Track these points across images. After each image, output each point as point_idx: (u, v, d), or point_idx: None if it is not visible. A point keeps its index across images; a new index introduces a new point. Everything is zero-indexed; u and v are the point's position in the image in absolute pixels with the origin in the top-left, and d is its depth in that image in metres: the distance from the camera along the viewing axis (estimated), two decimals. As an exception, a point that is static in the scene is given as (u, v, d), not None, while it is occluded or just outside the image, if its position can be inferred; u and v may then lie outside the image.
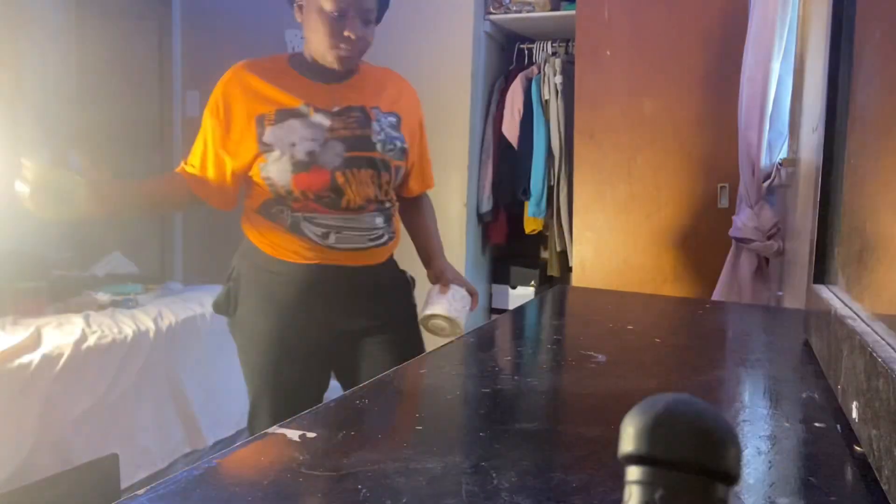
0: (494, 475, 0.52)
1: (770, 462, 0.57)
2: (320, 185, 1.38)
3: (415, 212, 1.64)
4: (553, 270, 3.08)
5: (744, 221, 1.81)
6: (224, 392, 2.72)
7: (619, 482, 0.27)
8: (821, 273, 0.87)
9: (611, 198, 2.36)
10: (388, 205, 1.48)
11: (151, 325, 2.45)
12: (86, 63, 3.60)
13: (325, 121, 1.40)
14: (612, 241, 2.36)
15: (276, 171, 1.38)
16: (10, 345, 2.06)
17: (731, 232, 1.87)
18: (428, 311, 1.47)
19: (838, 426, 0.64)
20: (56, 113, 3.41)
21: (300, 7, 1.43)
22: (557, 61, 2.96)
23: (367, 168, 1.41)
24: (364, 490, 0.49)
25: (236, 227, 1.53)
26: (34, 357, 2.08)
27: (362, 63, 1.52)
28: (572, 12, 2.66)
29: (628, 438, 0.26)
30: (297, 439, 0.58)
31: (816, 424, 0.65)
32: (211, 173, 1.48)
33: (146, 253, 3.92)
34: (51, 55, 3.37)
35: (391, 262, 1.55)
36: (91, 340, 2.24)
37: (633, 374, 0.87)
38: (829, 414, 0.67)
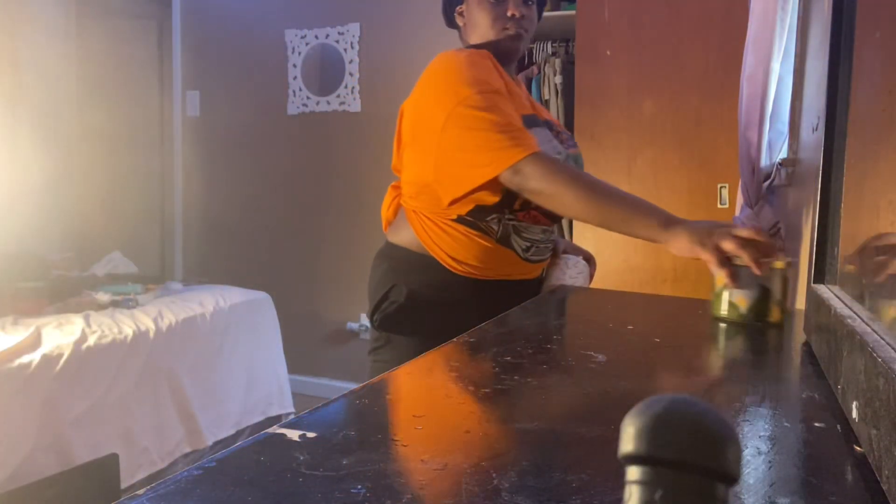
0: (494, 475, 0.52)
1: (770, 462, 0.57)
2: None
3: None
4: (553, 270, 3.08)
5: (743, 221, 1.81)
6: (224, 392, 2.72)
7: (619, 482, 0.27)
8: (821, 273, 0.87)
9: (611, 198, 2.35)
10: None
11: (151, 325, 2.45)
12: (86, 63, 3.61)
13: (554, 133, 1.40)
14: (612, 241, 2.36)
15: None
16: (10, 345, 2.06)
17: (731, 232, 1.87)
18: (544, 286, 1.45)
19: (838, 426, 0.64)
20: (56, 113, 3.41)
21: (461, 13, 1.46)
22: (557, 61, 2.96)
23: None
24: (364, 490, 0.49)
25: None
26: (34, 357, 2.08)
27: None
28: (572, 12, 2.66)
29: (628, 438, 0.26)
30: (297, 439, 0.58)
31: (816, 424, 0.65)
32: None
33: (146, 253, 3.92)
34: (51, 55, 3.37)
35: None
36: (91, 340, 2.24)
37: (633, 374, 0.87)
38: (829, 414, 0.67)
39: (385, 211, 1.51)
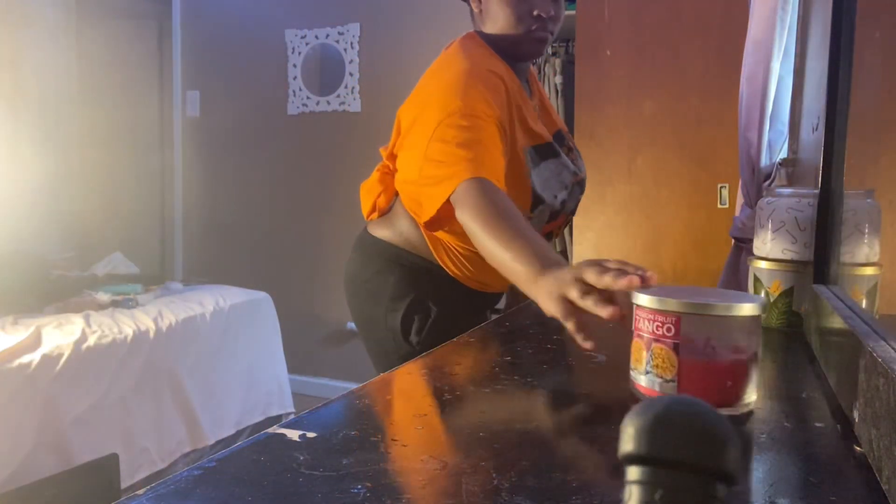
0: (494, 475, 0.52)
1: (770, 462, 0.57)
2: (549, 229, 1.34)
3: None
4: (553, 270, 3.08)
5: (743, 221, 1.81)
6: (224, 392, 2.72)
7: (619, 482, 0.27)
8: (821, 273, 0.87)
9: (611, 198, 2.35)
10: None
11: (151, 325, 2.45)
12: (86, 63, 3.60)
13: (566, 157, 1.34)
14: (612, 241, 2.36)
15: (538, 220, 1.27)
16: (10, 345, 2.06)
17: (731, 232, 1.87)
18: None
19: (838, 426, 0.64)
20: (56, 113, 3.41)
21: None
22: (557, 61, 2.96)
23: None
24: (364, 490, 0.49)
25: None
26: (34, 357, 2.08)
27: None
28: (572, 12, 2.66)
29: (628, 438, 0.26)
30: (297, 439, 0.58)
31: (816, 424, 0.65)
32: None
33: (146, 253, 3.92)
34: (51, 55, 3.37)
35: None
36: (91, 340, 2.24)
37: (633, 374, 0.87)
38: (829, 414, 0.67)
39: (371, 193, 1.37)
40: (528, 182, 1.21)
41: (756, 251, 1.07)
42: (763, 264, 1.03)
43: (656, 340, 0.66)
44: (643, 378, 0.68)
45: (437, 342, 1.01)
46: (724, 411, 0.64)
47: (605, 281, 0.74)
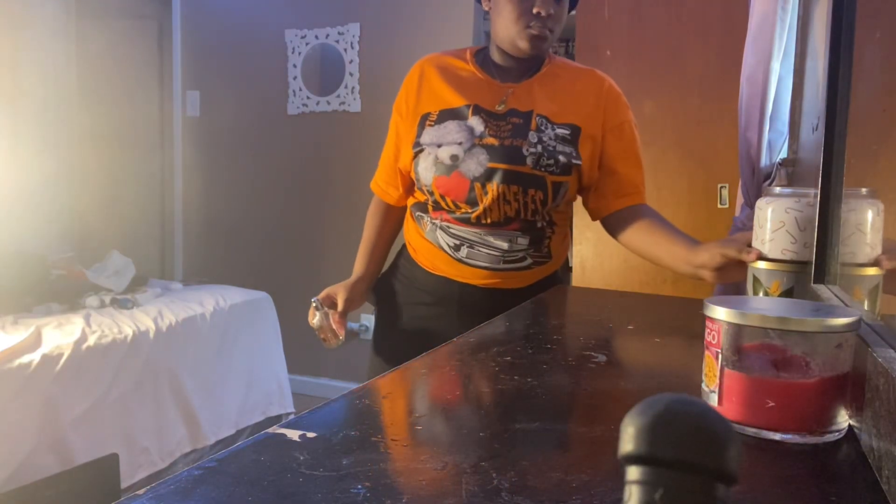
0: (494, 475, 0.52)
1: (770, 462, 0.57)
2: (456, 194, 1.31)
3: (627, 227, 1.42)
4: (553, 270, 3.08)
5: (744, 221, 1.81)
6: (224, 392, 2.72)
7: (619, 482, 0.27)
8: (821, 273, 0.87)
9: (611, 198, 2.36)
10: (540, 224, 1.36)
11: (151, 325, 2.45)
12: (86, 63, 3.60)
13: (478, 125, 1.32)
14: (612, 241, 2.35)
15: (422, 169, 1.33)
16: (10, 345, 2.06)
17: (731, 232, 1.87)
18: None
19: (838, 426, 0.64)
20: (56, 113, 3.41)
21: None
22: (557, 61, 2.96)
23: (512, 183, 1.29)
24: (364, 490, 0.49)
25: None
26: (34, 357, 2.08)
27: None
28: (572, 12, 2.66)
29: (628, 438, 0.26)
30: (297, 439, 0.58)
31: (816, 424, 0.65)
32: (386, 170, 1.49)
33: (146, 253, 3.92)
34: (51, 55, 3.37)
35: (546, 287, 1.42)
36: (91, 340, 2.24)
37: (633, 374, 0.87)
38: (829, 414, 0.67)
39: None
40: (412, 140, 1.39)
41: None
42: (762, 264, 1.03)
43: (706, 348, 0.65)
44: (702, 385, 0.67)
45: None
46: (771, 435, 0.60)
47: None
